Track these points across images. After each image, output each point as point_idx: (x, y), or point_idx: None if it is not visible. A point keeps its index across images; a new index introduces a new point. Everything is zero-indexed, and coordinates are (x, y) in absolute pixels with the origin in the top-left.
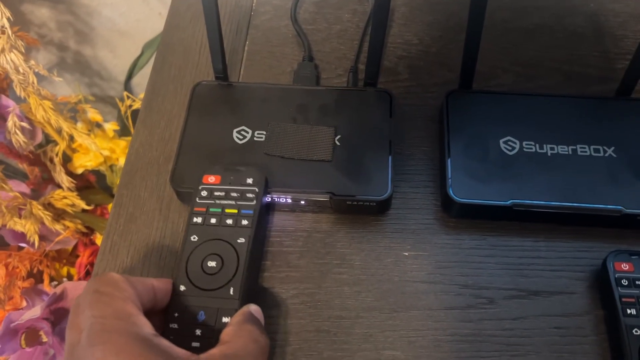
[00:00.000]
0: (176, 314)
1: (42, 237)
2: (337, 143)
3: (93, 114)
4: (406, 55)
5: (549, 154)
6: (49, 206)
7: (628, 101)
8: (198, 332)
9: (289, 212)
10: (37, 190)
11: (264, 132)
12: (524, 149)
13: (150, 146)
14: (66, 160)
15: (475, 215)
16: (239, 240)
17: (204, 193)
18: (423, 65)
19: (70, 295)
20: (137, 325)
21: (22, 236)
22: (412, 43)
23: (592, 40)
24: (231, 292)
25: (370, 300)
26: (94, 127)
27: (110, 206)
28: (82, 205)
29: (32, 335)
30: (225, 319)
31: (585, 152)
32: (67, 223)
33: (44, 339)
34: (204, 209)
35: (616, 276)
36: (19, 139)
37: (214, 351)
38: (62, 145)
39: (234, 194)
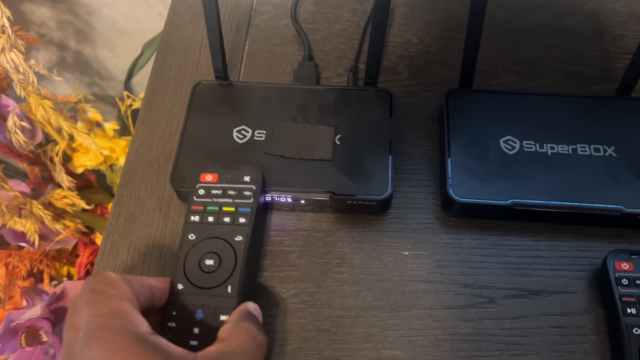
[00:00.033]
0: (174, 313)
1: (42, 237)
2: (337, 142)
3: (93, 114)
4: (406, 54)
5: (549, 154)
6: (49, 206)
7: (628, 100)
8: (196, 330)
9: (289, 212)
10: (37, 190)
11: (264, 132)
12: (524, 149)
13: (150, 146)
14: (66, 159)
15: (476, 215)
16: (236, 239)
17: (201, 191)
18: (423, 65)
19: (70, 295)
20: (134, 323)
21: (22, 235)
22: (412, 42)
23: (592, 40)
24: (229, 290)
25: (371, 300)
26: (94, 126)
27: (110, 206)
28: (82, 204)
29: (32, 334)
30: (223, 317)
31: (586, 151)
32: (67, 222)
33: (44, 338)
34: (202, 207)
35: (616, 275)
36: (19, 138)
37: (211, 349)
38: (62, 145)
39: (231, 192)
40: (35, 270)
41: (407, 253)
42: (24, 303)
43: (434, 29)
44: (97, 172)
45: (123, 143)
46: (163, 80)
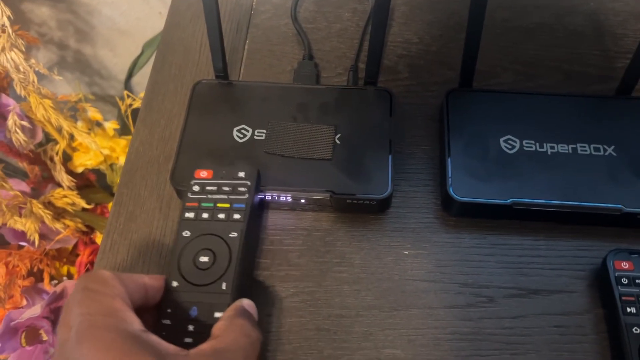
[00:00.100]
0: (169, 310)
1: (42, 236)
2: (337, 142)
3: (93, 113)
4: (406, 54)
5: (549, 153)
6: (49, 205)
7: (628, 100)
8: (191, 327)
9: (289, 211)
10: (37, 189)
11: (264, 131)
12: (524, 148)
13: (151, 145)
14: (66, 159)
15: (475, 214)
16: (231, 235)
17: (195, 188)
18: (423, 64)
19: (70, 294)
20: (126, 321)
21: (22, 235)
22: (412, 42)
23: (592, 39)
24: (223, 287)
25: (370, 299)
26: (94, 126)
27: (110, 205)
28: (82, 204)
29: (32, 333)
30: (217, 314)
31: (586, 151)
32: (67, 222)
33: (44, 337)
34: (196, 204)
35: (616, 275)
36: (19, 137)
37: (204, 346)
38: (62, 144)
39: (225, 188)
40: (35, 269)
41: (407, 252)
42: (24, 302)
43: (434, 29)
44: (97, 172)
45: (123, 142)
46: (163, 80)
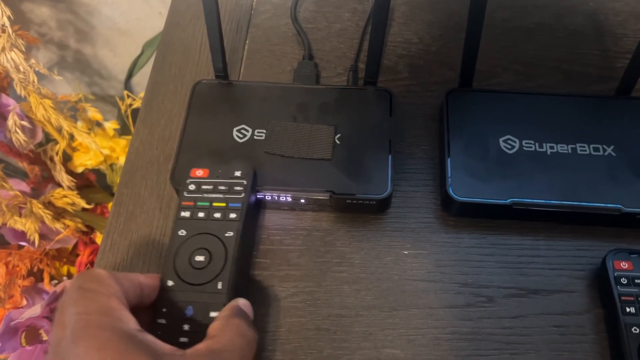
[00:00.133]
0: (164, 310)
1: (42, 236)
2: (337, 142)
3: (93, 113)
4: (406, 54)
5: (549, 153)
6: (49, 205)
7: (628, 100)
8: (186, 327)
9: (289, 211)
10: (37, 189)
11: (264, 131)
12: (524, 148)
13: (151, 145)
14: (66, 159)
15: (475, 214)
16: (227, 234)
17: (191, 187)
18: (423, 64)
19: (65, 293)
20: (122, 320)
21: (22, 235)
22: (412, 42)
23: (592, 39)
24: (219, 287)
25: (370, 299)
26: (94, 126)
27: (110, 205)
28: (82, 204)
29: (32, 333)
30: (213, 314)
31: (585, 151)
32: (67, 222)
33: (44, 337)
34: (192, 203)
35: (615, 275)
36: (19, 137)
37: (200, 346)
38: (62, 144)
39: (221, 187)
40: (35, 269)
41: (406, 252)
42: (24, 302)
43: (434, 29)
44: (97, 172)
45: (123, 142)
46: (163, 80)
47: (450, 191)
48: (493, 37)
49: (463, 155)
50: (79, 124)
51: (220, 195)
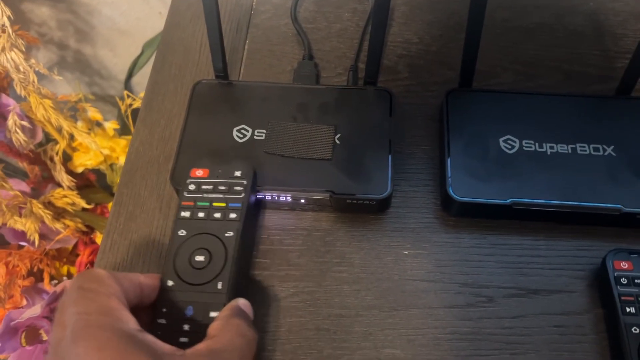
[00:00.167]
0: (164, 310)
1: (42, 236)
2: (337, 142)
3: (93, 113)
4: (406, 54)
5: (549, 153)
6: (49, 205)
7: (628, 100)
8: (186, 327)
9: (289, 211)
10: (37, 189)
11: (264, 131)
12: (524, 148)
13: (151, 145)
14: (66, 159)
15: (475, 214)
16: (227, 234)
17: (191, 187)
18: (423, 64)
19: (65, 293)
20: (122, 320)
21: (22, 235)
22: (412, 42)
23: (592, 39)
24: (219, 287)
25: (370, 299)
26: (94, 126)
27: (110, 205)
28: (82, 204)
29: (32, 333)
30: (213, 314)
31: (585, 151)
32: (67, 222)
33: (44, 337)
34: (192, 203)
35: (615, 275)
36: (19, 137)
37: (200, 346)
38: (62, 144)
39: (221, 187)
40: (35, 269)
41: (406, 252)
42: (24, 302)
43: (434, 29)
44: (97, 172)
45: (123, 142)
46: (163, 80)
47: (450, 191)
48: (493, 37)
49: (463, 155)
50: (79, 124)
51: (220, 195)
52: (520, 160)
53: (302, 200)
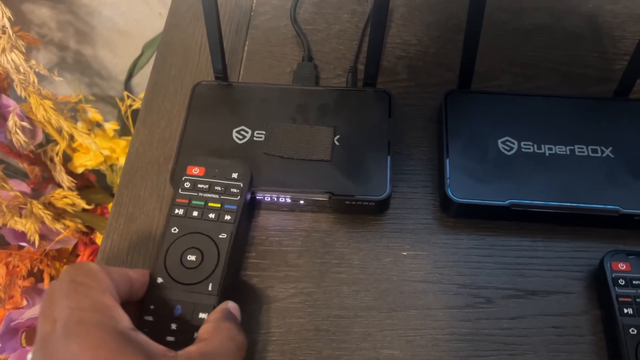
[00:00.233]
0: (152, 307)
1: (42, 237)
2: (336, 143)
3: (93, 114)
4: (405, 55)
5: (547, 154)
6: (49, 205)
7: (626, 102)
8: (173, 326)
9: (288, 212)
10: (38, 190)
11: (264, 132)
12: (522, 149)
13: (151, 146)
14: (66, 159)
15: (474, 215)
16: (220, 236)
17: (187, 184)
18: (422, 66)
19: (53, 285)
20: (115, 319)
21: (22, 235)
22: (411, 43)
23: (591, 41)
24: (210, 288)
25: (369, 300)
26: (94, 126)
27: (110, 205)
28: (83, 204)
29: (32, 334)
30: (202, 315)
31: (583, 152)
32: (68, 222)
33: None
34: (187, 201)
35: (613, 276)
36: (19, 138)
37: (191, 348)
38: (62, 145)
39: (218, 188)
40: (35, 269)
41: (405, 253)
42: (25, 302)
43: (432, 30)
44: (97, 172)
45: (123, 143)
46: (163, 81)
47: (449, 192)
48: (492, 38)
49: (462, 157)
50: (79, 124)
51: (216, 196)
52: (518, 162)
53: (302, 202)
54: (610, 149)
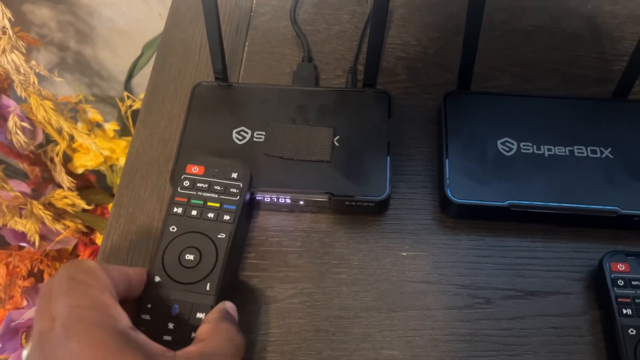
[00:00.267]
0: (149, 305)
1: (42, 237)
2: (336, 144)
3: (93, 114)
4: (405, 56)
5: (546, 155)
6: (49, 206)
7: (625, 102)
8: (171, 325)
9: (288, 212)
10: (38, 190)
11: (264, 133)
12: (522, 150)
13: (151, 146)
14: (66, 160)
15: (473, 216)
16: (219, 236)
17: (186, 183)
18: (421, 66)
19: (51, 281)
20: (115, 318)
21: (22, 236)
22: (411, 44)
23: (590, 42)
24: (207, 288)
25: (369, 300)
26: (94, 127)
27: (110, 206)
28: (83, 205)
29: None
30: (199, 315)
31: (582, 153)
32: (68, 223)
33: None
34: (185, 200)
35: (612, 276)
36: (19, 138)
37: (190, 349)
38: (62, 145)
39: (217, 187)
40: (35, 270)
41: (405, 254)
42: (25, 303)
43: (432, 31)
44: (97, 173)
45: (123, 143)
46: (163, 81)
47: (449, 193)
48: (491, 39)
49: (461, 157)
50: (79, 125)
51: (215, 196)
52: (518, 163)
53: (301, 202)
54: (609, 149)
